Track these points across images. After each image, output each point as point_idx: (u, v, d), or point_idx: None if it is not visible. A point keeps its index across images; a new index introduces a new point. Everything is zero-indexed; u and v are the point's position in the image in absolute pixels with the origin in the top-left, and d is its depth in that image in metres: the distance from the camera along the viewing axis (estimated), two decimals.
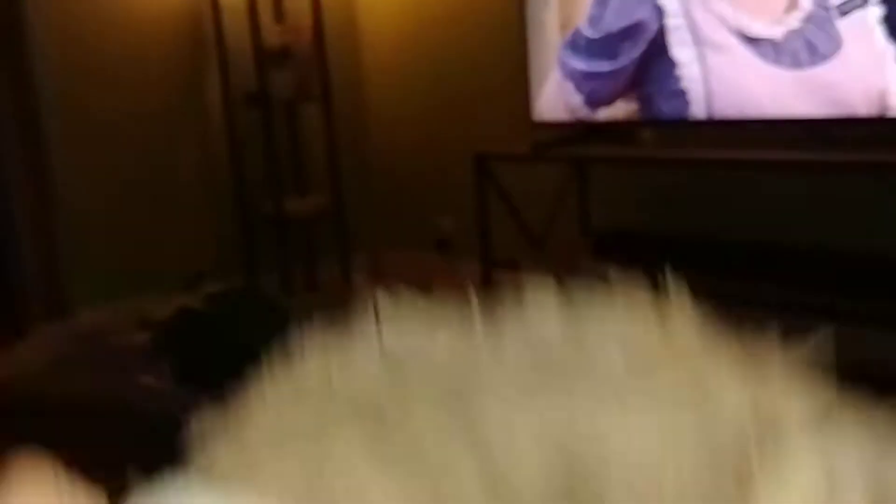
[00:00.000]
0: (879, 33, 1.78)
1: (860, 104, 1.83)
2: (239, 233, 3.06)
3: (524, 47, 2.49)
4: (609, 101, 2.27)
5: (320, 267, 3.19)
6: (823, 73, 1.88)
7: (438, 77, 3.28)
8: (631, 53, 2.18)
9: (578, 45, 2.30)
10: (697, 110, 2.08)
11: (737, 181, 2.29)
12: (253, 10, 2.89)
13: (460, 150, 2.72)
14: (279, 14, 3.04)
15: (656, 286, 0.63)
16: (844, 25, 1.82)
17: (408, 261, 3.14)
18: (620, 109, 2.26)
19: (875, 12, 1.78)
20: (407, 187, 3.38)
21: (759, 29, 1.96)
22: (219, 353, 1.72)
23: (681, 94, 2.11)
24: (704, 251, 2.15)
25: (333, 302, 1.05)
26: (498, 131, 2.84)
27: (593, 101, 2.30)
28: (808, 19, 1.89)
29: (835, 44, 1.86)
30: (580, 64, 2.30)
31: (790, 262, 2.03)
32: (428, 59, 3.33)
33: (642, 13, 2.14)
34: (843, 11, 1.84)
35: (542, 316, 0.63)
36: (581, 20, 2.29)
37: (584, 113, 2.34)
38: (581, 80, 2.31)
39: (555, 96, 2.41)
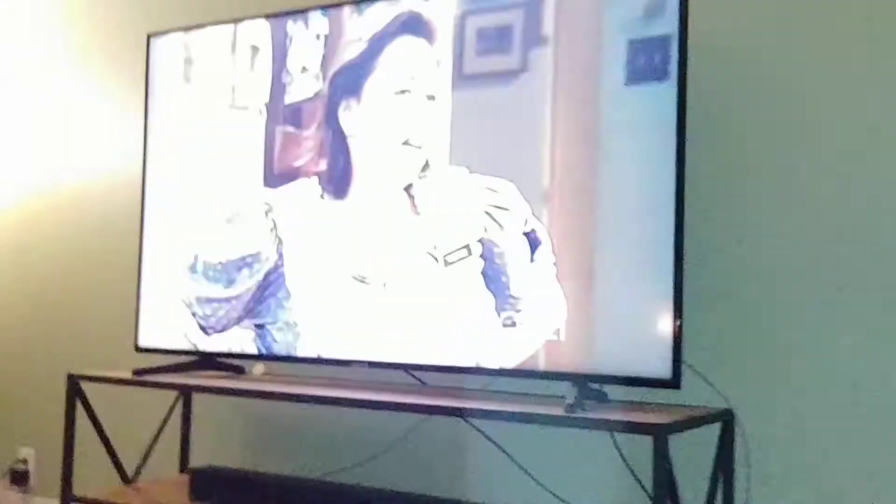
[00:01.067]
0: (480, 283, 1.89)
1: (460, 350, 1.90)
2: None
3: (138, 267, 2.37)
4: (224, 328, 2.20)
5: None
6: (426, 317, 1.94)
7: (41, 292, 3.04)
8: (248, 282, 2.15)
9: (197, 268, 2.24)
10: (308, 347, 2.07)
11: (344, 421, 2.27)
12: None
13: (56, 372, 2.45)
14: None
15: None
16: (449, 274, 1.92)
17: None
18: (235, 338, 2.18)
19: (477, 265, 1.90)
20: None
21: (371, 268, 2.01)
22: None
23: (292, 328, 2.09)
24: (308, 496, 2.06)
25: None
26: (102, 354, 2.64)
27: (209, 327, 2.22)
28: (416, 263, 1.95)
29: (439, 291, 1.93)
30: (198, 288, 2.23)
31: None
32: (31, 268, 3.09)
33: (261, 244, 2.14)
34: (448, 262, 1.93)
35: None
36: (202, 245, 2.25)
37: (197, 339, 2.24)
38: (197, 304, 2.23)
39: (168, 320, 2.29)
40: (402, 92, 2.00)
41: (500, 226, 1.87)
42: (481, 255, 1.89)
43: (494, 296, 1.86)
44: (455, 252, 1.91)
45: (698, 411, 1.77)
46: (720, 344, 1.89)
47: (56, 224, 2.99)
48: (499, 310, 1.86)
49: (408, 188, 1.98)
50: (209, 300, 2.22)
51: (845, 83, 1.82)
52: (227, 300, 2.19)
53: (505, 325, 1.85)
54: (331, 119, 2.09)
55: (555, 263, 1.80)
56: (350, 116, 2.05)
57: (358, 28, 2.08)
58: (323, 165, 2.09)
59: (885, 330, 1.76)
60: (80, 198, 2.94)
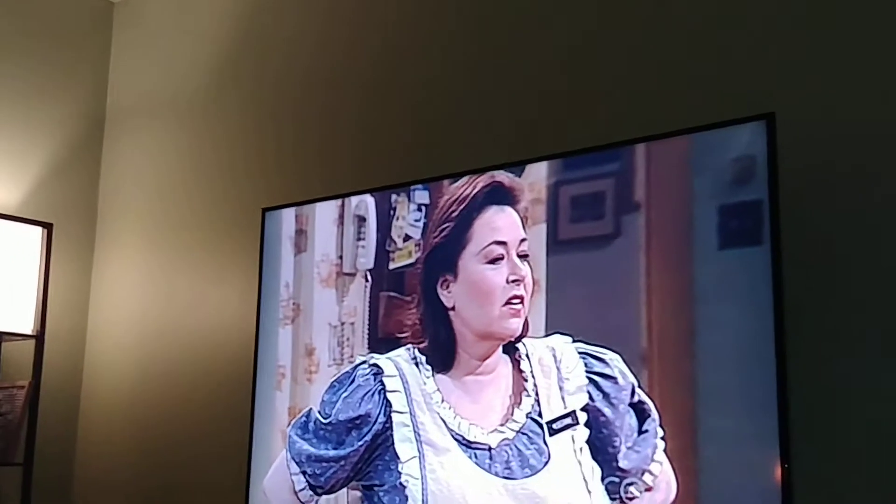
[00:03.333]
0: (586, 453, 1.89)
1: None
2: None
3: (250, 431, 2.46)
4: (332, 489, 2.23)
5: None
6: (532, 485, 1.94)
7: (157, 458, 3.15)
8: (356, 443, 2.20)
9: (307, 427, 2.30)
10: None
11: None
12: None
13: None
14: None
15: None
16: (554, 442, 1.93)
17: None
18: (343, 501, 2.22)
19: (582, 433, 1.90)
20: None
21: (477, 435, 2.03)
22: None
23: (400, 490, 2.11)
24: None
25: None
26: None
27: (318, 486, 2.26)
28: (521, 431, 1.98)
29: (544, 458, 1.94)
30: (307, 446, 2.28)
31: None
32: (148, 435, 3.21)
33: (370, 406, 2.19)
34: (554, 430, 1.94)
35: None
36: (313, 405, 2.32)
37: (307, 498, 2.28)
38: (306, 462, 2.28)
39: (278, 483, 2.34)
40: (497, 260, 2.06)
41: (605, 395, 1.88)
42: (587, 424, 1.90)
43: (601, 466, 1.86)
44: (560, 419, 1.93)
45: None
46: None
47: (172, 385, 3.12)
48: (605, 480, 1.85)
49: (511, 353, 2.02)
50: (319, 459, 2.26)
51: None
52: (337, 460, 2.23)
53: (612, 499, 1.83)
54: (429, 294, 2.16)
55: (663, 437, 1.80)
56: (448, 291, 2.12)
57: (449, 202, 2.18)
58: (425, 338, 2.16)
59: None
60: (196, 359, 3.07)
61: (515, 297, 2.03)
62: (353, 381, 2.25)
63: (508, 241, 2.06)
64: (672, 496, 1.78)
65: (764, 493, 1.67)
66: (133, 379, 3.25)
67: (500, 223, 2.08)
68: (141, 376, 3.23)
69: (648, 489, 1.81)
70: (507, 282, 2.03)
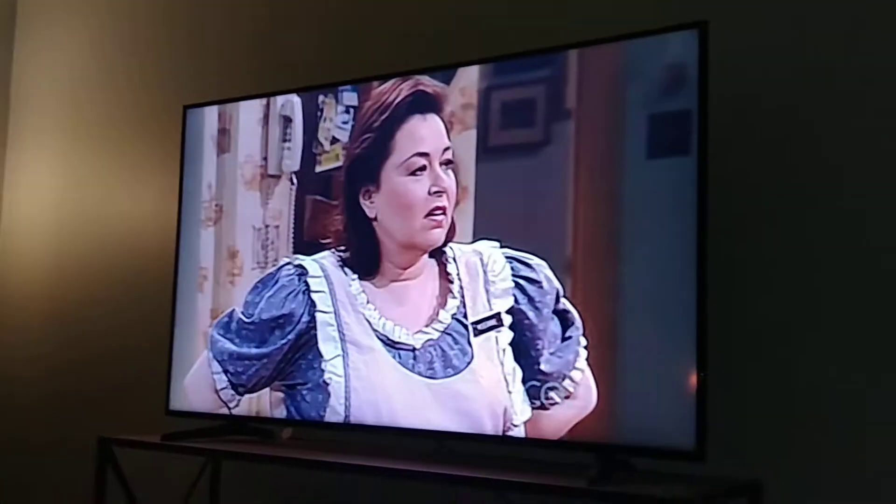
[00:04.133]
0: (509, 355, 1.91)
1: (487, 420, 1.92)
2: None
3: (171, 328, 2.42)
4: (254, 388, 2.23)
5: None
6: (454, 385, 1.97)
7: (74, 357, 3.12)
8: (279, 342, 2.19)
9: (230, 327, 2.29)
10: (337, 410, 2.09)
11: (370, 487, 2.28)
12: None
13: (87, 436, 2.48)
14: None
15: None
16: (477, 343, 1.94)
17: None
18: (265, 400, 2.22)
19: (506, 336, 1.92)
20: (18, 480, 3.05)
21: (401, 335, 2.04)
22: None
23: (323, 389, 2.12)
24: None
25: None
26: (131, 417, 2.68)
27: (239, 385, 2.25)
28: (446, 332, 1.99)
29: (467, 358, 1.96)
30: (230, 345, 2.27)
31: None
32: (65, 335, 3.17)
33: (294, 305, 2.18)
34: (478, 331, 1.96)
35: None
36: (236, 306, 2.29)
37: (228, 397, 2.27)
38: (228, 361, 2.27)
39: (198, 382, 2.33)
40: (418, 171, 2.04)
41: (530, 299, 1.90)
42: (511, 327, 1.92)
43: (523, 369, 1.89)
44: (485, 321, 1.94)
45: (724, 483, 1.77)
46: (746, 411, 1.89)
47: (89, 283, 3.06)
48: (527, 384, 1.88)
49: (438, 256, 2.02)
50: (241, 357, 2.25)
51: (868, 142, 1.84)
52: (259, 359, 2.22)
53: (531, 397, 1.86)
54: (352, 204, 2.13)
55: (586, 346, 1.83)
56: (371, 202, 2.10)
57: (371, 110, 2.14)
58: (349, 246, 2.14)
59: None
60: (114, 257, 3.01)
61: (437, 208, 2.01)
62: (276, 281, 2.23)
63: (431, 152, 2.03)
64: (591, 405, 1.81)
65: (679, 400, 1.71)
66: (48, 281, 3.18)
67: (422, 133, 2.05)
68: (57, 276, 3.15)
69: (568, 396, 1.84)
70: (429, 193, 2.02)
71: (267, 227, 2.31)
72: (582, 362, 1.83)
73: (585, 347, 1.83)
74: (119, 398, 2.89)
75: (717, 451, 1.78)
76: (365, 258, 2.11)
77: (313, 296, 2.15)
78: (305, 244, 2.23)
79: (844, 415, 1.81)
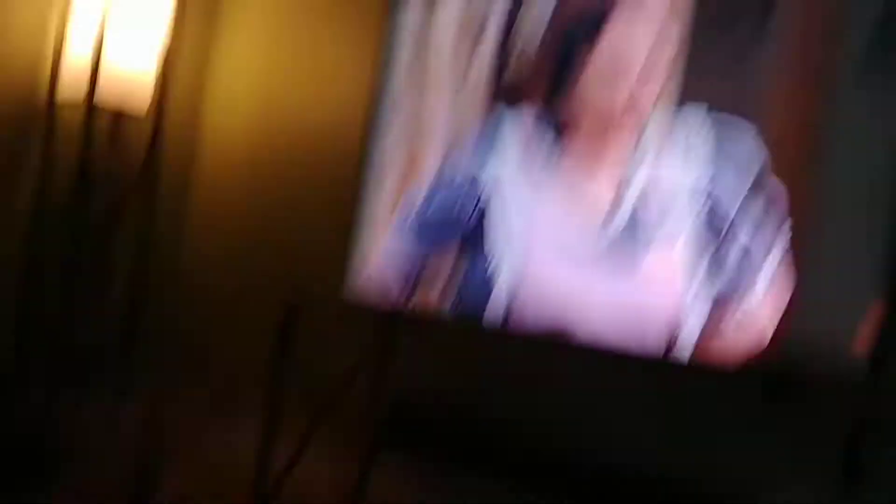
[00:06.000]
0: (697, 240, 1.82)
1: (656, 333, 1.86)
2: None
3: (357, 209, 2.47)
4: (427, 283, 2.24)
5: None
6: (630, 294, 1.90)
7: (264, 229, 3.21)
8: (450, 242, 2.19)
9: (406, 225, 2.33)
10: (501, 308, 2.09)
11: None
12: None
13: (270, 303, 2.56)
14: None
15: None
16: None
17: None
18: (434, 295, 2.22)
19: (695, 224, 1.83)
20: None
21: (575, 239, 1.99)
22: None
23: (489, 285, 2.11)
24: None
25: None
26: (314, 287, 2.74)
27: (412, 280, 2.26)
28: (624, 234, 1.93)
29: (650, 242, 1.90)
30: (404, 243, 2.30)
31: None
32: (260, 207, 3.28)
33: (466, 205, 2.18)
34: (653, 238, 1.88)
35: None
36: (413, 204, 2.32)
37: (402, 288, 2.29)
38: (403, 258, 2.29)
39: (376, 271, 2.37)
40: (650, 13, 1.96)
41: (728, 176, 1.79)
42: (707, 199, 1.83)
43: (714, 252, 1.79)
44: (671, 204, 1.85)
45: None
46: None
47: (286, 159, 3.14)
48: (711, 280, 1.78)
49: (639, 127, 1.94)
50: (416, 254, 2.26)
51: None
52: (433, 255, 2.22)
53: (719, 303, 1.76)
54: (562, 58, 2.07)
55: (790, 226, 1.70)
56: (585, 57, 2.03)
57: None
58: (552, 101, 2.08)
59: None
60: (313, 135, 3.07)
61: (655, 65, 1.93)
62: (451, 184, 2.22)
63: (658, 7, 1.96)
64: (784, 300, 1.69)
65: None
66: (248, 150, 3.28)
67: None
68: (256, 148, 3.24)
69: (760, 303, 1.72)
70: (650, 51, 1.95)
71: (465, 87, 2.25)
72: (779, 249, 1.70)
73: (791, 228, 1.70)
74: (301, 275, 2.96)
75: None
76: (566, 119, 2.06)
77: (484, 202, 2.12)
78: (505, 93, 2.18)
79: None
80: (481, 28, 2.26)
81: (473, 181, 2.17)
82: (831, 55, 1.71)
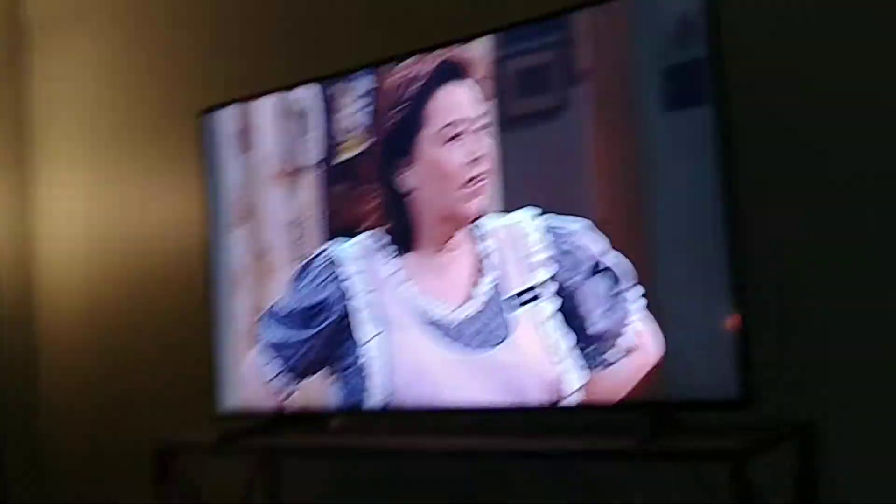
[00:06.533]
0: (555, 323, 1.90)
1: (535, 392, 1.92)
2: None
3: (214, 333, 2.46)
4: (305, 373, 2.25)
5: None
6: (498, 358, 1.97)
7: (118, 366, 3.15)
8: (318, 328, 2.21)
9: (272, 320, 2.33)
10: (379, 393, 2.11)
11: (423, 467, 2.30)
12: None
13: (140, 445, 2.53)
14: None
15: None
16: (520, 314, 1.94)
17: None
18: (314, 389, 2.24)
19: (551, 303, 1.91)
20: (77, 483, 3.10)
21: (440, 311, 2.05)
22: None
23: (363, 370, 2.14)
24: None
25: None
26: (183, 424, 2.71)
27: (290, 370, 2.28)
28: (486, 305, 1.99)
29: (510, 330, 1.95)
30: (274, 336, 2.31)
31: None
32: (107, 345, 3.21)
33: (327, 293, 2.20)
34: (520, 303, 1.95)
35: None
36: (274, 300, 2.33)
37: (280, 386, 2.29)
38: (274, 350, 2.31)
39: (247, 380, 2.37)
40: (454, 139, 2.04)
41: (571, 264, 1.88)
42: (556, 293, 1.91)
43: (575, 334, 1.88)
44: (526, 291, 1.95)
45: (774, 430, 1.76)
46: (794, 354, 1.87)
47: (123, 292, 3.09)
48: (579, 348, 1.88)
49: (475, 229, 2.02)
50: (286, 346, 2.28)
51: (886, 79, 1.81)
52: (303, 343, 2.25)
53: (589, 366, 1.86)
54: (387, 181, 2.13)
55: (643, 294, 1.82)
56: (406, 175, 2.10)
57: (400, 84, 2.13)
58: (384, 223, 2.14)
59: None
60: (149, 268, 3.04)
61: (476, 176, 2.01)
62: (310, 271, 2.25)
63: (466, 118, 2.02)
64: (653, 356, 1.80)
65: (722, 347, 1.71)
66: (86, 295, 3.22)
67: (456, 99, 2.05)
68: (94, 291, 3.19)
69: (626, 353, 1.82)
70: (466, 161, 2.01)
71: (297, 221, 2.32)
72: (636, 316, 1.81)
73: (643, 296, 1.81)
74: (168, 402, 2.92)
75: (772, 395, 1.76)
76: (403, 235, 2.11)
77: (346, 282, 2.17)
78: (339, 231, 2.24)
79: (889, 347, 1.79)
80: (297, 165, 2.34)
81: (331, 269, 2.21)
82: (634, 115, 1.82)
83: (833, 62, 1.86)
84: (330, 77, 2.27)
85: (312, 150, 2.29)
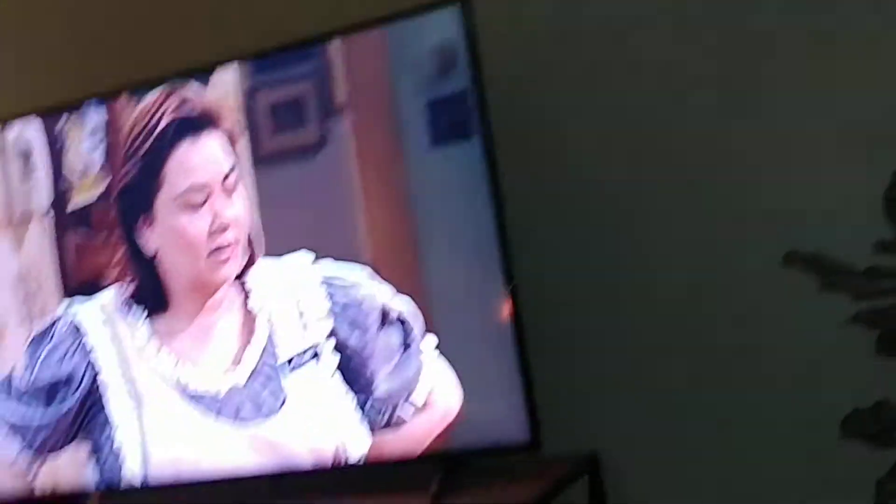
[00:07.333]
0: (335, 386, 1.76)
1: (310, 455, 1.79)
2: None
3: None
4: (49, 454, 1.99)
5: None
6: (271, 428, 1.81)
7: None
8: (65, 407, 1.96)
9: (9, 392, 2.03)
10: (137, 472, 1.92)
11: None
12: None
13: None
14: None
15: None
16: (294, 380, 1.79)
17: None
18: (64, 468, 1.99)
19: (329, 365, 1.77)
20: None
21: (202, 382, 1.86)
22: None
23: (118, 453, 1.92)
24: None
25: None
26: None
27: (33, 451, 2.01)
28: (255, 372, 1.82)
29: (281, 399, 1.80)
30: (13, 414, 2.02)
31: None
32: None
33: (71, 367, 1.95)
34: (293, 367, 1.79)
35: None
36: (10, 369, 2.04)
37: (24, 466, 2.01)
38: (14, 430, 2.02)
39: None
40: (196, 207, 1.81)
41: (351, 319, 1.74)
42: (334, 351, 1.76)
43: (357, 395, 1.75)
44: (301, 355, 1.78)
45: (562, 466, 1.74)
46: (581, 390, 1.86)
47: None
48: (364, 410, 1.75)
49: (239, 287, 1.83)
50: (28, 426, 2.01)
51: (645, 105, 1.83)
52: (47, 426, 1.98)
53: (375, 427, 1.74)
54: (129, 236, 1.90)
55: (435, 346, 1.71)
56: (148, 236, 1.87)
57: (134, 125, 1.90)
58: (132, 280, 1.91)
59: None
60: None
61: (222, 246, 1.80)
62: (51, 338, 1.98)
63: (208, 181, 1.80)
64: (452, 410, 1.70)
65: (511, 394, 1.66)
66: None
67: (194, 161, 1.81)
68: None
69: (421, 408, 1.72)
70: (211, 231, 1.79)
71: (27, 276, 2.04)
72: (429, 368, 1.70)
73: (436, 348, 1.70)
74: None
75: (559, 433, 1.74)
76: (152, 295, 1.88)
77: (93, 354, 1.92)
78: (79, 287, 1.99)
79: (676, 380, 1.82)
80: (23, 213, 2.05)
81: (75, 337, 1.95)
82: (401, 150, 1.72)
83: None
84: (53, 110, 2.01)
85: (41, 193, 2.02)
